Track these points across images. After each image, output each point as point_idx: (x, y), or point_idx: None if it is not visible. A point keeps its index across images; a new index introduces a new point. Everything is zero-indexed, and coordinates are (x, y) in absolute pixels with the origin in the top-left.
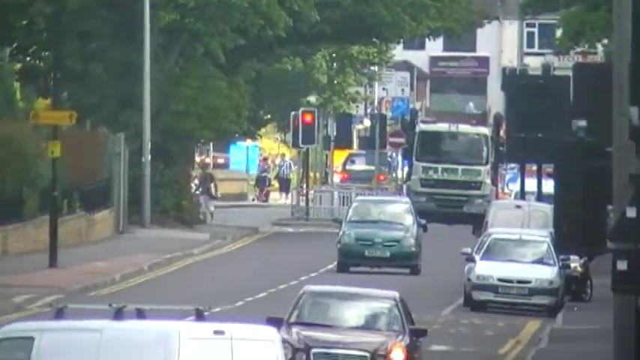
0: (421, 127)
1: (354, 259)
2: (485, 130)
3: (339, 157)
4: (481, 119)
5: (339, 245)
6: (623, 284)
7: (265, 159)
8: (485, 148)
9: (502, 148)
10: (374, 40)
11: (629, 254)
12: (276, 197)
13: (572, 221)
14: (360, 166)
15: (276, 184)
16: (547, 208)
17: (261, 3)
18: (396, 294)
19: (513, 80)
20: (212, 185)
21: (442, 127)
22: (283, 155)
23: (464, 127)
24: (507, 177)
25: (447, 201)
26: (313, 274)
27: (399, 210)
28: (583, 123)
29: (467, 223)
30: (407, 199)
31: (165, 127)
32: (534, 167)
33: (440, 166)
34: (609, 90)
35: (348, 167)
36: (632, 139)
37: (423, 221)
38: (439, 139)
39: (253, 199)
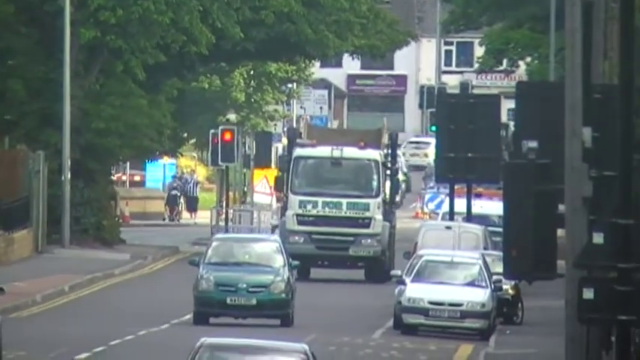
0: (297, 151)
1: (214, 309)
2: (375, 155)
3: (258, 175)
4: (374, 140)
5: (196, 292)
6: (589, 313)
7: (175, 177)
8: (376, 177)
9: (402, 176)
10: (298, 57)
11: (596, 282)
12: (185, 216)
13: (523, 245)
14: None
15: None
16: (477, 230)
17: (183, 19)
18: (306, 347)
19: (443, 100)
20: (112, 203)
21: (323, 151)
22: (192, 172)
23: (350, 151)
24: (427, 196)
25: (329, 242)
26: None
27: (267, 250)
28: (533, 144)
29: (354, 268)
30: (276, 237)
31: (86, 144)
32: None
33: (320, 200)
34: (560, 110)
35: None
36: (585, 161)
37: (296, 262)
38: (319, 166)
39: (164, 219)
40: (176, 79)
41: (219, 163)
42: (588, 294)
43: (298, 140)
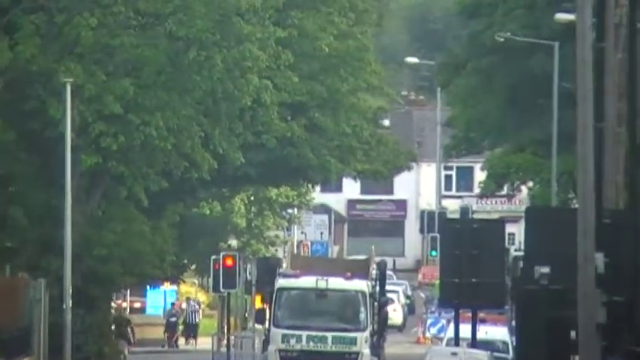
0: (280, 282)
1: None
2: (362, 286)
3: (259, 301)
4: (361, 270)
5: None
6: None
7: (173, 304)
8: (363, 309)
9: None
10: (299, 182)
11: None
12: (182, 342)
13: None
14: None
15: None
16: (483, 355)
17: (185, 145)
18: None
19: (447, 225)
20: (129, 329)
21: (307, 282)
22: (188, 299)
23: (335, 282)
24: (429, 321)
25: None
26: None
27: None
28: (546, 269)
29: None
30: None
31: (87, 271)
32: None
33: (304, 334)
34: (572, 235)
35: None
36: (598, 286)
37: None
38: (303, 297)
39: (163, 346)
40: (178, 204)
41: (221, 289)
42: None
43: (281, 270)
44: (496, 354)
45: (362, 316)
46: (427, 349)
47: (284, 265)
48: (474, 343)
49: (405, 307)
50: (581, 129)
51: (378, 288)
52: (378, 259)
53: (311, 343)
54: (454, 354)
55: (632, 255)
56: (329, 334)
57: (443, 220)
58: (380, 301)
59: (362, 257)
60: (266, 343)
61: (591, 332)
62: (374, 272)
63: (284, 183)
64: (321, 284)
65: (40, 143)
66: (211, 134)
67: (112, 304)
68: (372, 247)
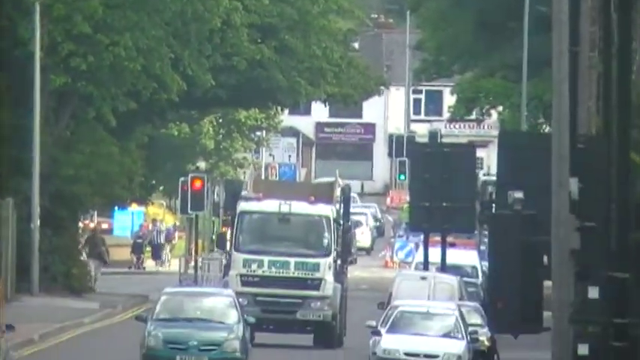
0: (241, 205)
1: None
2: (326, 210)
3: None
4: (325, 194)
5: (144, 350)
6: None
7: (141, 225)
8: (327, 234)
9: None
10: (269, 104)
11: (592, 338)
12: (150, 264)
13: (508, 298)
14: None
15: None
16: (453, 280)
17: (154, 66)
18: None
19: (418, 149)
20: (104, 249)
21: (269, 206)
22: (154, 221)
23: (299, 206)
24: (397, 245)
25: (275, 304)
26: None
27: (220, 305)
28: (520, 195)
29: (302, 333)
30: (229, 291)
31: (55, 192)
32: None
33: (266, 259)
34: (545, 160)
35: None
36: (572, 212)
37: (252, 319)
38: (265, 222)
39: (130, 267)
40: (147, 126)
41: (189, 211)
42: (583, 350)
43: (243, 193)
44: (465, 279)
45: (326, 241)
46: (396, 274)
47: (247, 188)
48: (444, 267)
49: (373, 230)
50: (557, 53)
51: (342, 212)
52: (342, 182)
53: (273, 269)
54: (423, 278)
55: (605, 180)
56: (291, 260)
57: (413, 144)
58: (344, 226)
59: (328, 179)
60: (227, 267)
61: (564, 258)
62: (338, 197)
63: (254, 105)
64: (284, 208)
65: (8, 63)
66: (181, 55)
67: (80, 225)
68: (337, 170)
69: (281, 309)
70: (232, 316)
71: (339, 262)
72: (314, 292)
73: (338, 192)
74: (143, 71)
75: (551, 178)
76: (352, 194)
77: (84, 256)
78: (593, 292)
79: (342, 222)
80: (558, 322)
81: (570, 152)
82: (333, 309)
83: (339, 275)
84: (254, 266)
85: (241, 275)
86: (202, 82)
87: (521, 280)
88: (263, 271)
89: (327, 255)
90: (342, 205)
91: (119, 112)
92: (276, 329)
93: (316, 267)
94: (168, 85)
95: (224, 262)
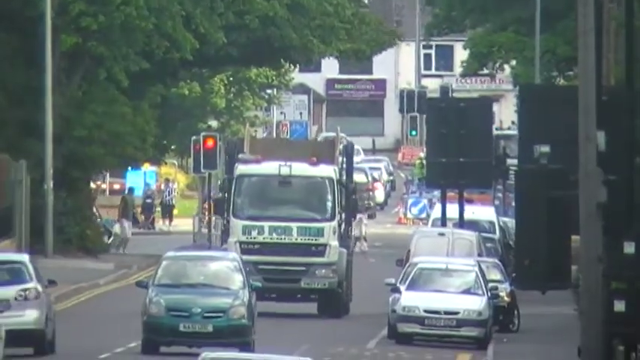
0: (239, 168)
1: (165, 336)
2: (330, 171)
3: None
4: (327, 153)
5: (145, 317)
6: (621, 327)
7: (149, 185)
8: (330, 197)
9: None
10: (282, 62)
11: (628, 294)
12: (161, 224)
13: (535, 254)
14: None
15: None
16: (471, 236)
17: (166, 25)
18: None
19: (434, 104)
20: (138, 210)
21: (269, 168)
22: (167, 181)
23: (300, 168)
24: (410, 201)
25: (277, 272)
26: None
27: (224, 269)
28: (546, 149)
29: (307, 302)
30: (235, 255)
31: (69, 153)
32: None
33: (267, 224)
34: (568, 114)
35: None
36: (599, 165)
37: (258, 284)
38: (265, 185)
39: (140, 227)
40: (159, 85)
41: (202, 170)
42: (619, 306)
43: (240, 155)
44: (483, 234)
45: (329, 204)
46: (414, 230)
47: (244, 149)
48: (462, 223)
49: (386, 185)
50: (582, 3)
51: (345, 172)
52: (345, 140)
53: (274, 235)
54: (442, 234)
55: (630, 132)
56: (294, 225)
57: (429, 99)
58: (348, 187)
59: (329, 134)
60: (225, 234)
61: (592, 211)
62: (340, 156)
63: (266, 64)
64: (284, 170)
65: (19, 23)
66: (192, 14)
67: (92, 186)
68: (338, 127)
69: (284, 277)
70: (237, 281)
71: (343, 225)
72: (318, 259)
73: (339, 150)
74: (155, 30)
75: (578, 131)
76: (357, 148)
77: (115, 219)
78: (629, 248)
79: (345, 183)
80: (587, 278)
81: (597, 105)
82: (338, 276)
83: (344, 240)
84: (254, 233)
85: (241, 242)
86: (214, 40)
87: (548, 236)
88: (264, 238)
89: (332, 219)
90: (344, 164)
91: (131, 72)
92: (278, 298)
93: (320, 232)
94: (181, 44)
95: (221, 229)
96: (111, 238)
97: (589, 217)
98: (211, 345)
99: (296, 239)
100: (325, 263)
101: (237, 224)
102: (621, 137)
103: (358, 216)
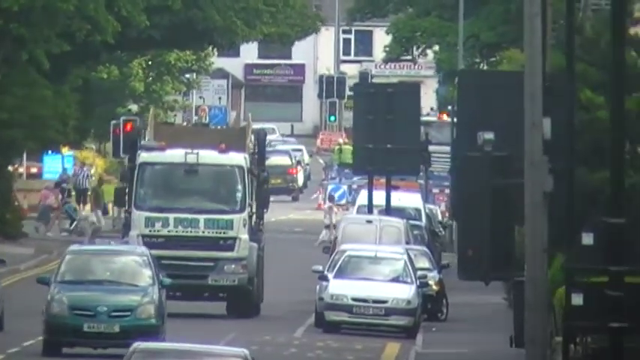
0: (142, 156)
1: (68, 337)
2: (240, 159)
3: None
4: (237, 141)
5: (46, 317)
6: (578, 321)
7: (65, 169)
8: (240, 187)
9: (267, 186)
10: (205, 45)
11: (586, 287)
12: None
13: (480, 244)
14: None
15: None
16: (399, 223)
17: (88, 7)
18: (246, 352)
19: (361, 89)
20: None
21: (174, 156)
22: (82, 164)
23: (208, 156)
24: (329, 187)
25: (183, 268)
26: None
27: (132, 264)
28: (490, 135)
29: (215, 300)
30: (144, 249)
31: None
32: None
33: (172, 216)
34: (508, 100)
35: None
36: (546, 153)
37: (168, 280)
38: (170, 174)
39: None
40: (81, 68)
41: (121, 154)
42: (577, 300)
43: (143, 142)
44: (410, 221)
45: (239, 195)
46: (341, 217)
47: (146, 135)
48: (388, 210)
49: (306, 169)
50: None
51: (257, 161)
52: (256, 126)
53: (180, 227)
54: (369, 222)
55: (571, 119)
56: (201, 217)
57: (355, 85)
58: (260, 176)
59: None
60: (126, 227)
61: (538, 201)
62: (251, 143)
63: (189, 47)
64: (191, 158)
65: None
66: None
67: (9, 169)
68: (250, 114)
69: (190, 273)
70: (146, 278)
71: (254, 218)
72: (227, 254)
73: (251, 138)
74: (77, 12)
75: (520, 118)
76: (273, 127)
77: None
78: (588, 239)
79: (256, 172)
80: (531, 269)
81: (544, 90)
82: (249, 272)
83: (255, 233)
84: (158, 225)
85: (143, 236)
86: (137, 22)
87: (492, 226)
88: (168, 231)
89: (242, 210)
90: (255, 154)
91: (53, 54)
92: (184, 296)
93: (229, 224)
94: (103, 27)
95: (122, 222)
96: (73, 224)
97: (535, 207)
98: (117, 346)
99: (203, 232)
100: (234, 258)
101: (139, 216)
102: (563, 124)
103: (328, 204)
